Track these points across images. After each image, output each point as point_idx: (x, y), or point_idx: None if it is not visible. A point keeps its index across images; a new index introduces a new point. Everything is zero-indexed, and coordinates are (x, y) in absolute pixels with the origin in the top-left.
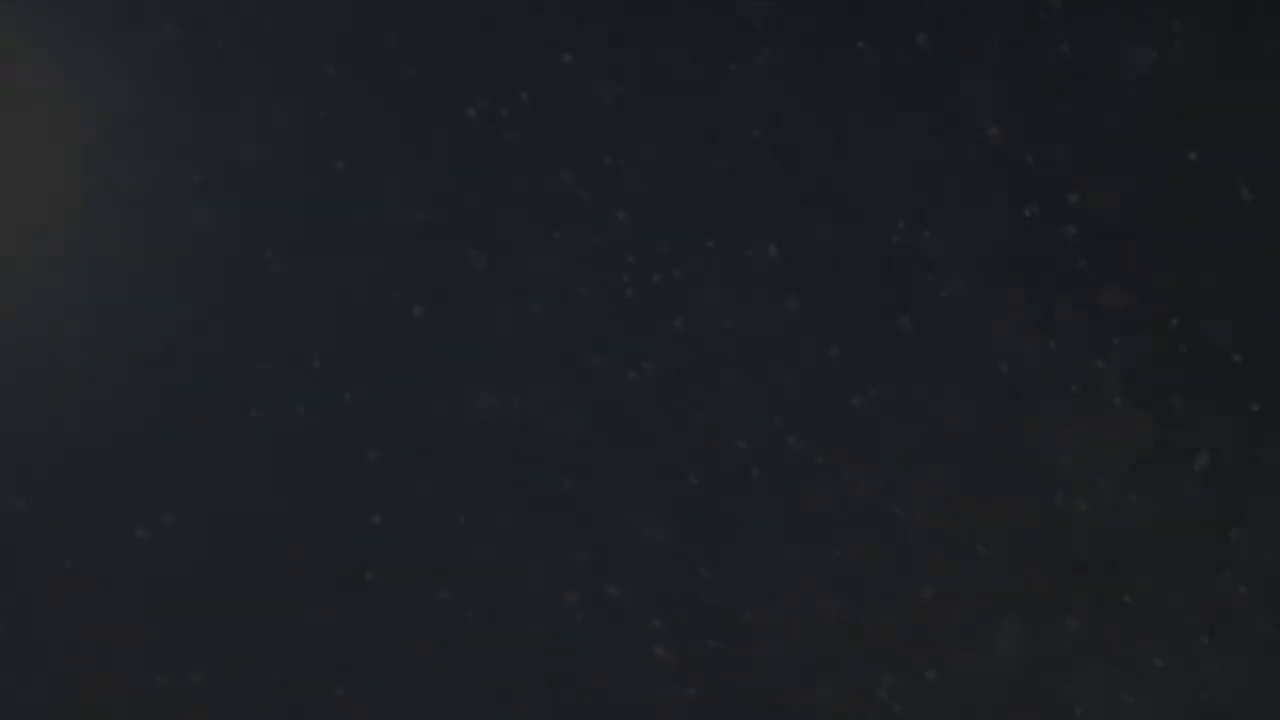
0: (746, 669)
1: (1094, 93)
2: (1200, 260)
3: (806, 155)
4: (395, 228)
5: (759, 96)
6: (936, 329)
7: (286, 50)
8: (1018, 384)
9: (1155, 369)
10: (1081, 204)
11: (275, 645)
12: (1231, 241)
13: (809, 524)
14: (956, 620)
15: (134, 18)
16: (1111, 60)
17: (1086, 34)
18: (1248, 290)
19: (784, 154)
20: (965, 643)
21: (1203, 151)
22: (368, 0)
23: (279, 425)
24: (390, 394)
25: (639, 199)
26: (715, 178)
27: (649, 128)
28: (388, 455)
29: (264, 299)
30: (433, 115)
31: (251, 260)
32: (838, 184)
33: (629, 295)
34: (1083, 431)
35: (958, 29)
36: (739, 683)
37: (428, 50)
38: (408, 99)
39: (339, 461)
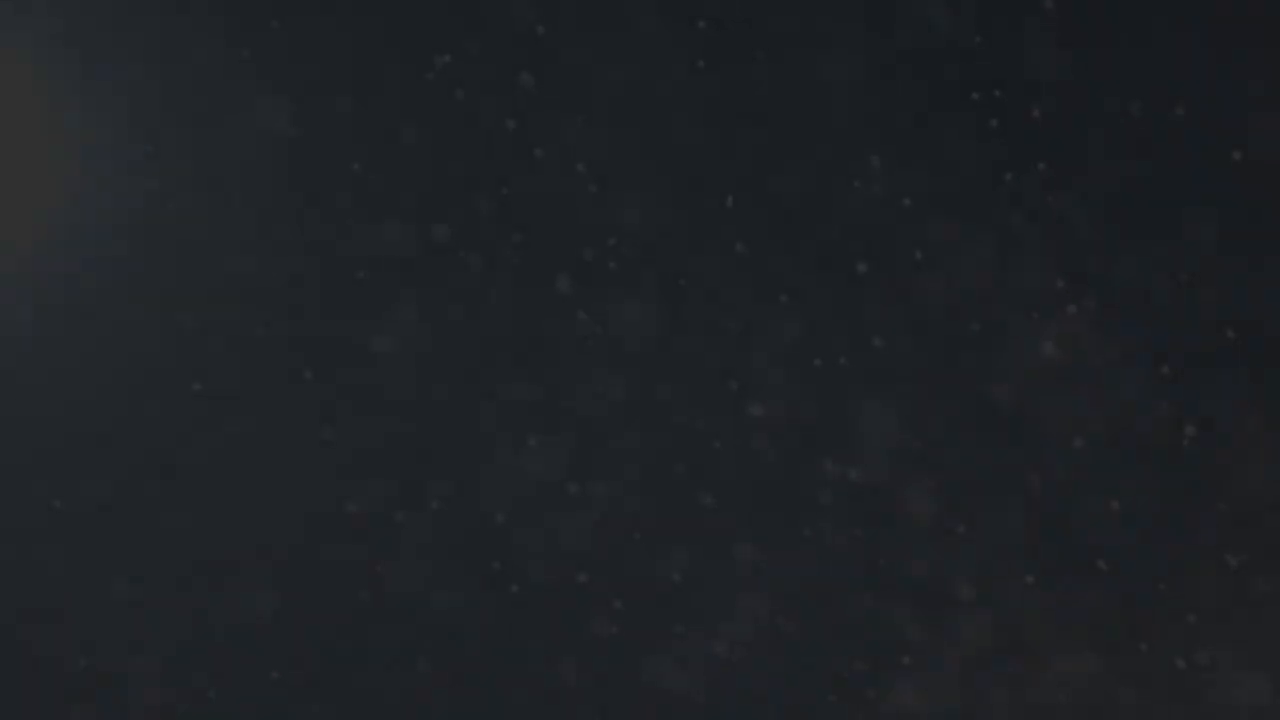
0: (716, 655)
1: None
2: (1191, 225)
3: (769, 108)
4: (337, 189)
5: (722, 51)
6: (900, 282)
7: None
8: (992, 344)
9: (1141, 333)
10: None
11: (209, 620)
12: (1221, 204)
13: (768, 494)
14: (933, 603)
15: None
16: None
17: None
18: (1240, 254)
19: (747, 107)
20: (941, 626)
21: (1192, 110)
22: None
23: (220, 399)
24: (338, 364)
25: (603, 159)
26: (676, 133)
27: (613, 87)
28: (340, 431)
29: (207, 266)
30: (388, 73)
31: (197, 227)
32: (800, 133)
33: (588, 258)
34: (1059, 395)
35: None
36: (711, 670)
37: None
38: (360, 57)
39: (282, 436)
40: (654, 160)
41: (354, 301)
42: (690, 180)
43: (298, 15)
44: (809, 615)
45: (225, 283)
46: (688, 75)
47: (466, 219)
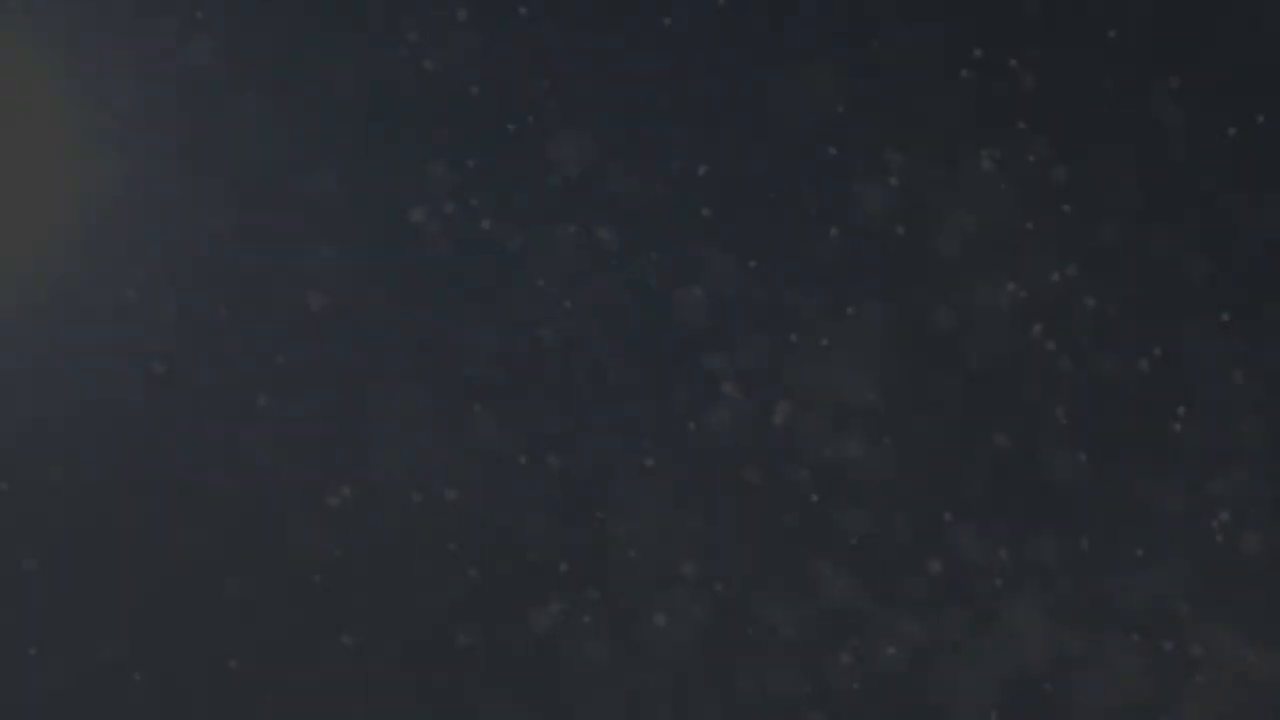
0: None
1: None
2: (1186, 204)
3: (742, 74)
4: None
5: (691, 13)
6: (876, 250)
7: None
8: (975, 319)
9: (1131, 313)
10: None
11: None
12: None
13: (741, 470)
14: (909, 580)
15: None
16: None
17: None
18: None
19: (719, 73)
20: (919, 606)
21: (1185, 81)
22: None
23: (183, 381)
24: (302, 344)
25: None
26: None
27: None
28: (274, 398)
29: (166, 234)
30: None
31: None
32: (774, 101)
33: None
34: (1044, 372)
35: None
36: (687, 659)
37: None
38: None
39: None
40: (623, 130)
41: (320, 279)
42: (661, 148)
43: None
44: (783, 596)
45: (186, 261)
46: (657, 38)
47: (437, 193)
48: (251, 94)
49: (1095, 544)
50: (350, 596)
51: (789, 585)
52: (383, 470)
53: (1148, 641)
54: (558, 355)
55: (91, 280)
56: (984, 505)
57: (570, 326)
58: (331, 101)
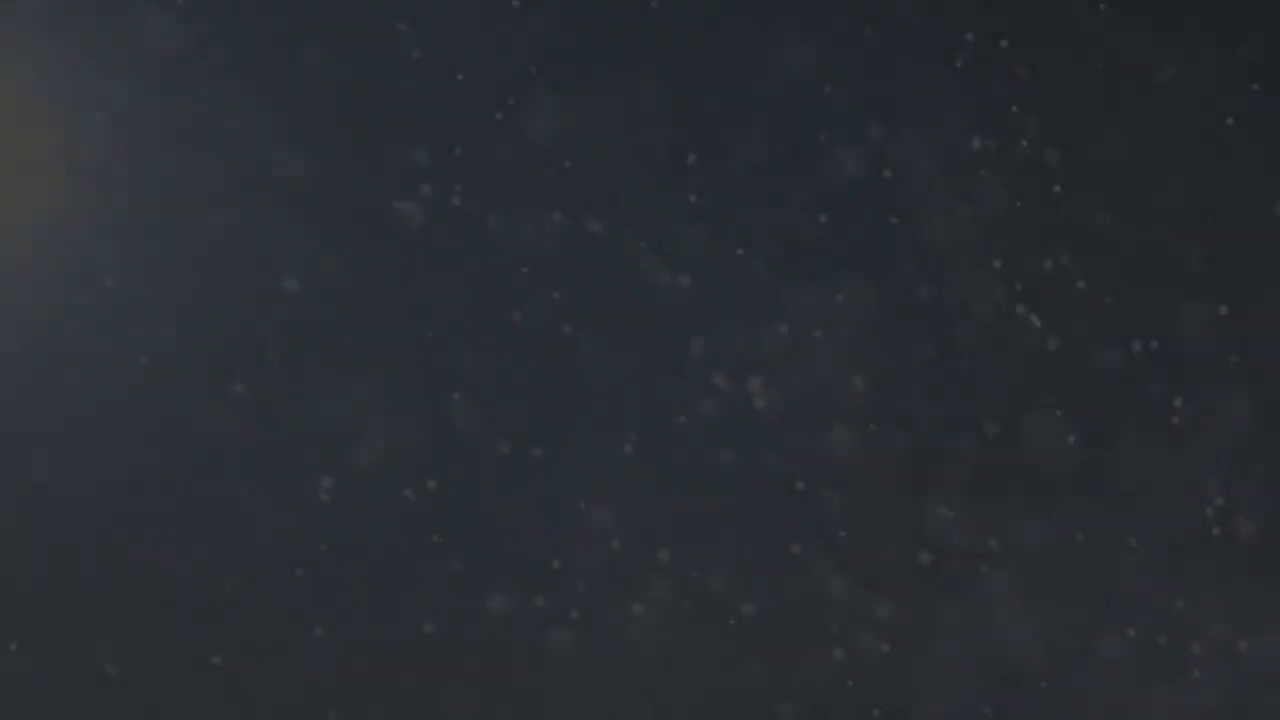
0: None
1: None
2: (1182, 196)
3: (729, 59)
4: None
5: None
6: (865, 237)
7: None
8: (964, 305)
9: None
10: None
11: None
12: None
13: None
14: (903, 581)
15: None
16: None
17: None
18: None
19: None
20: (910, 607)
21: (1179, 68)
22: None
23: (161, 372)
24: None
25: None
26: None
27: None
28: (258, 390)
29: (149, 225)
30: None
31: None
32: (763, 88)
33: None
34: (1037, 362)
35: None
36: (670, 649)
37: None
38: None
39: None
40: (613, 119)
41: (305, 270)
42: (650, 137)
43: None
44: (768, 585)
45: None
46: (645, 25)
47: (424, 182)
48: (238, 84)
49: (1088, 532)
50: (334, 590)
51: (774, 574)
52: (365, 462)
53: (1141, 631)
54: (542, 344)
55: (72, 271)
56: (974, 494)
57: (555, 315)
58: (318, 90)
